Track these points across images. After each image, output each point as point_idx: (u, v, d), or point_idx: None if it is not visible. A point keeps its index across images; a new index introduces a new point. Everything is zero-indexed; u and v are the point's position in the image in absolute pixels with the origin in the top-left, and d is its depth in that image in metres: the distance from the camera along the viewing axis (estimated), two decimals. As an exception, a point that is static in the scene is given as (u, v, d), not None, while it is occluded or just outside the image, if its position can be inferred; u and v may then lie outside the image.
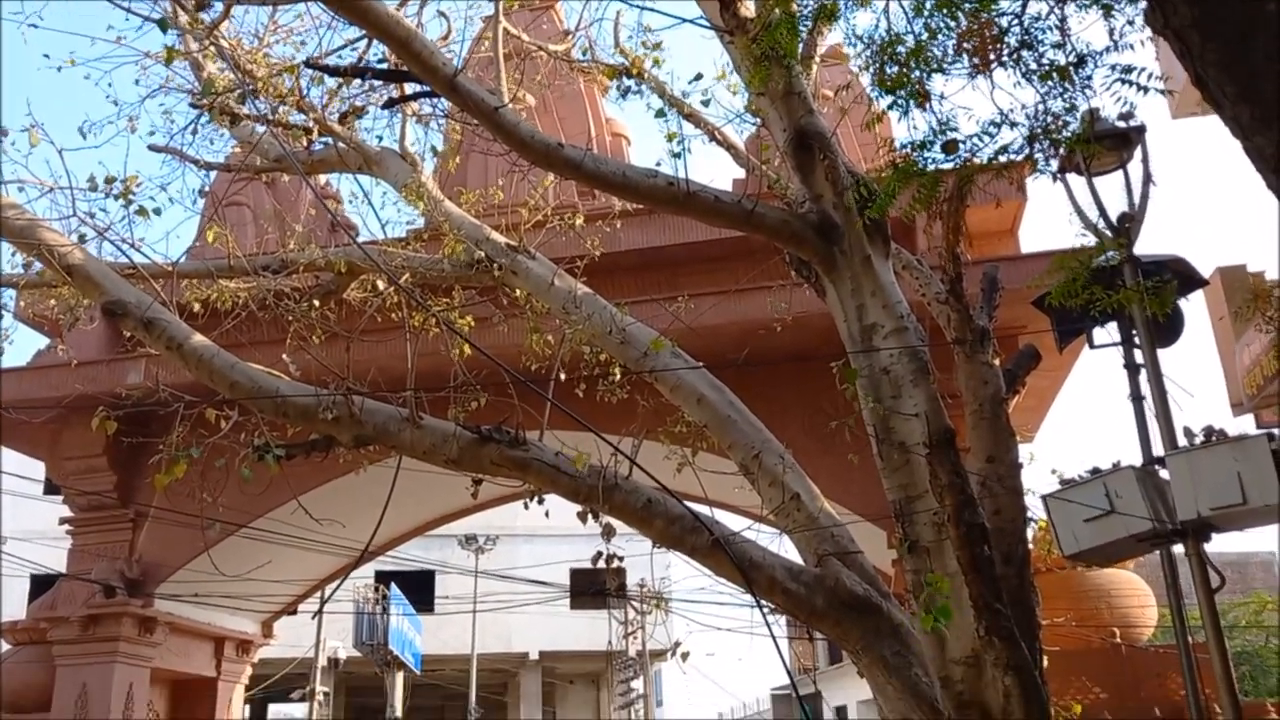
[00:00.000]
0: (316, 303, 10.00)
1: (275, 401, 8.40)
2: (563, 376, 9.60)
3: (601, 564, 10.56)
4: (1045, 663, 8.78)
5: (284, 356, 8.98)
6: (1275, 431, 5.68)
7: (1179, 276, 7.02)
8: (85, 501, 13.22)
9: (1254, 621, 26.51)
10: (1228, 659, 5.76)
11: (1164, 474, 6.00)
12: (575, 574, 31.77)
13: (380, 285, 9.74)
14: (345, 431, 8.65)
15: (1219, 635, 5.73)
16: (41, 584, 14.61)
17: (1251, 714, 9.84)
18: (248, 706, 37.76)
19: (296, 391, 8.32)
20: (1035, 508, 9.32)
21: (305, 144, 9.85)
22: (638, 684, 34.90)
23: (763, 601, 9.59)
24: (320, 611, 14.62)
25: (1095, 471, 6.19)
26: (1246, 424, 11.16)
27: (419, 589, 32.75)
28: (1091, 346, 7.66)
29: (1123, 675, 10.88)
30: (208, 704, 14.77)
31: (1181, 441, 5.94)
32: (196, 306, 10.10)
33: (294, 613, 20.58)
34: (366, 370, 9.37)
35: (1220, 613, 7.20)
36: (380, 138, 10.04)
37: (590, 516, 9.31)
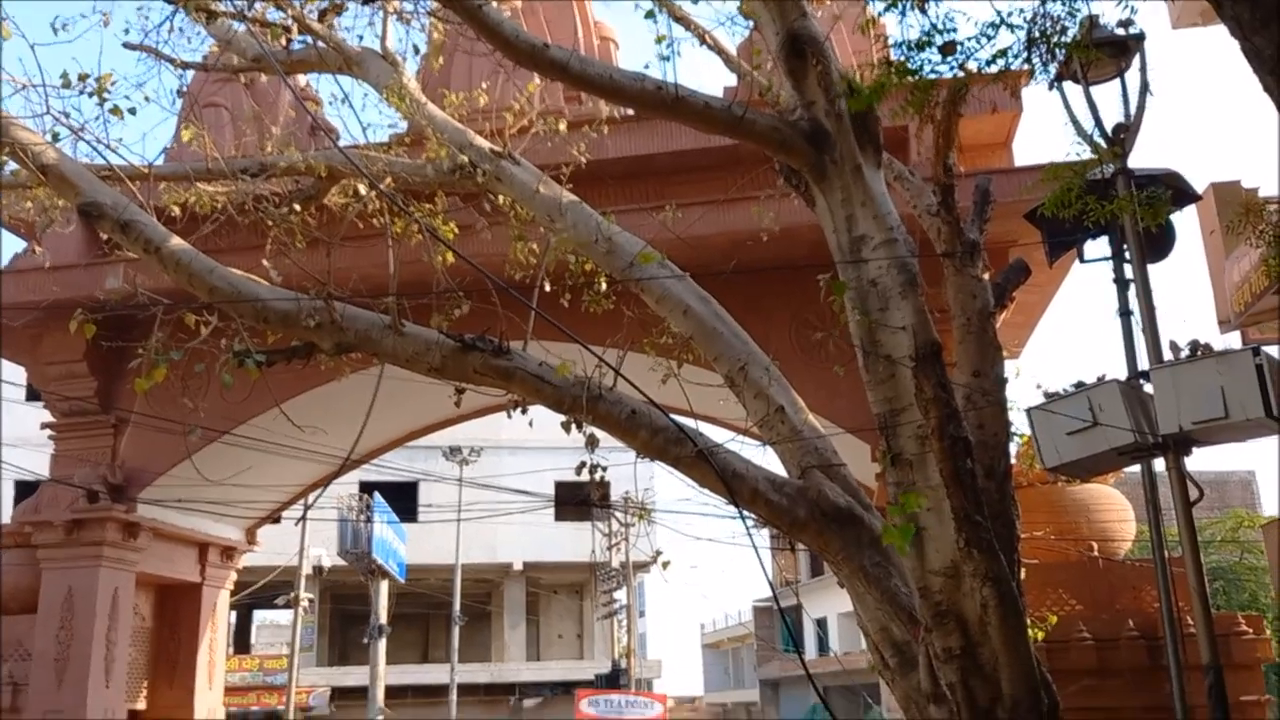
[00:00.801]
0: (297, 207, 9.83)
1: (255, 307, 8.29)
2: (547, 286, 9.51)
3: (585, 475, 10.60)
4: (1023, 574, 8.87)
5: (264, 262, 8.85)
6: (1260, 346, 5.64)
7: (1172, 190, 6.92)
8: (66, 407, 13.14)
9: (1230, 538, 26.98)
10: (1202, 572, 5.81)
11: (1148, 388, 5.98)
12: (560, 486, 32.01)
13: (361, 190, 9.57)
14: (327, 338, 8.56)
15: (1195, 548, 5.77)
16: (25, 489, 14.59)
17: (1223, 626, 10.01)
18: (234, 613, 38.31)
19: (277, 297, 8.21)
20: (1019, 422, 9.36)
21: (284, 43, 9.58)
22: (621, 595, 35.45)
23: (745, 513, 9.66)
24: (304, 519, 14.68)
25: (1079, 385, 6.17)
26: (1233, 341, 11.15)
27: (403, 499, 33.00)
28: (1082, 260, 7.59)
29: (1098, 588, 11.04)
30: (193, 608, 14.88)
31: (1167, 356, 5.91)
32: (175, 210, 9.91)
33: (278, 520, 20.69)
34: (348, 277, 9.25)
35: (1197, 529, 7.26)
36: (361, 37, 9.77)
37: (574, 427, 9.30)
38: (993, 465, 8.69)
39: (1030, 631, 8.74)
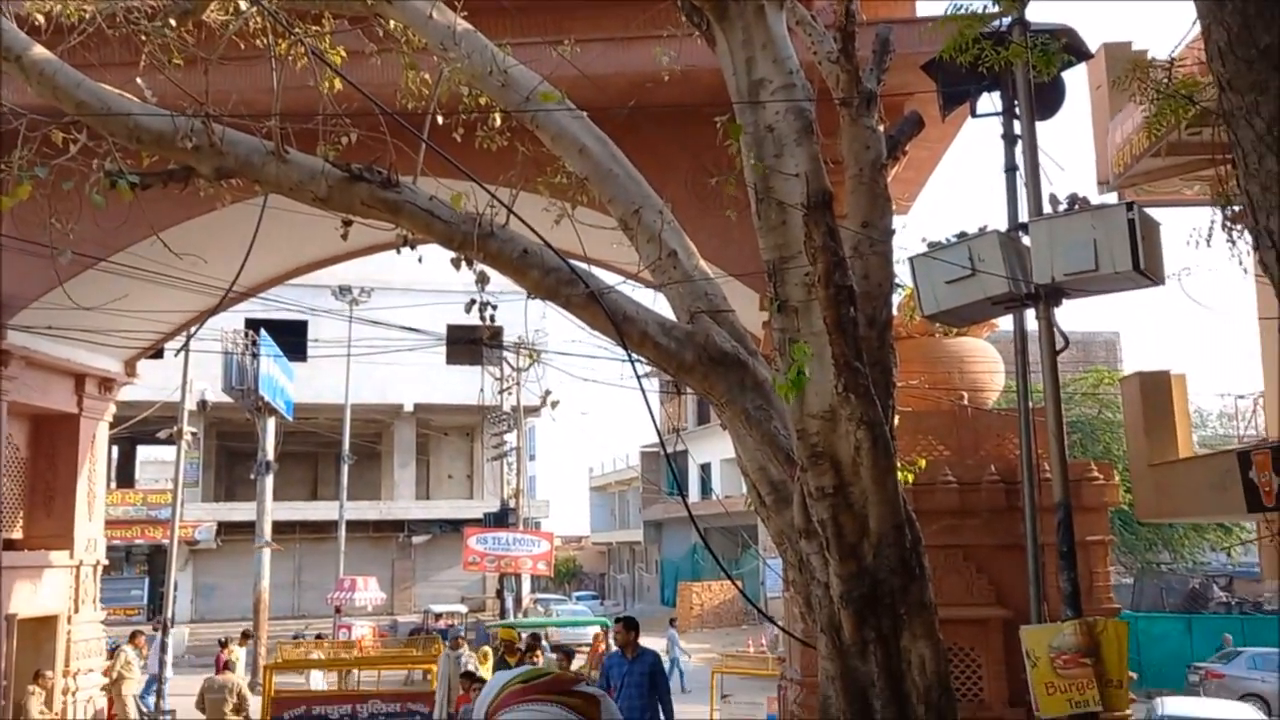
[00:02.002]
0: (173, 22, 9.27)
1: (128, 125, 7.88)
2: (439, 119, 9.23)
3: (475, 314, 10.55)
4: (896, 421, 9.25)
5: (138, 80, 8.36)
6: (1134, 203, 5.83)
7: (1067, 48, 6.99)
8: (-77, 227, 12.45)
9: (1091, 394, 28.47)
10: (1061, 416, 6.13)
11: (1026, 241, 6.16)
12: (452, 329, 31.85)
13: (243, 5, 9.05)
14: (205, 162, 8.22)
15: (1056, 394, 6.07)
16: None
17: (1076, 472, 10.66)
18: (115, 447, 37.64)
19: (151, 114, 7.81)
20: (903, 276, 9.58)
21: None
22: (511, 438, 35.83)
23: (634, 356, 9.78)
24: (185, 349, 14.32)
25: (961, 235, 6.32)
26: (1112, 201, 11.52)
27: (291, 337, 32.45)
28: (974, 115, 7.68)
29: (965, 436, 11.60)
30: (70, 440, 14.57)
31: (1046, 210, 6.08)
32: (38, 19, 9.26)
33: (159, 355, 20.20)
34: (227, 99, 8.82)
35: (1061, 382, 7.62)
36: None
37: (465, 264, 9.20)
38: (875, 315, 8.94)
39: (899, 474, 9.17)
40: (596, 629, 23.97)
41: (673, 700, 9.21)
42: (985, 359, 12.31)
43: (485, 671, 14.06)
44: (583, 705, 2.03)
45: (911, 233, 17.86)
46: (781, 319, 8.82)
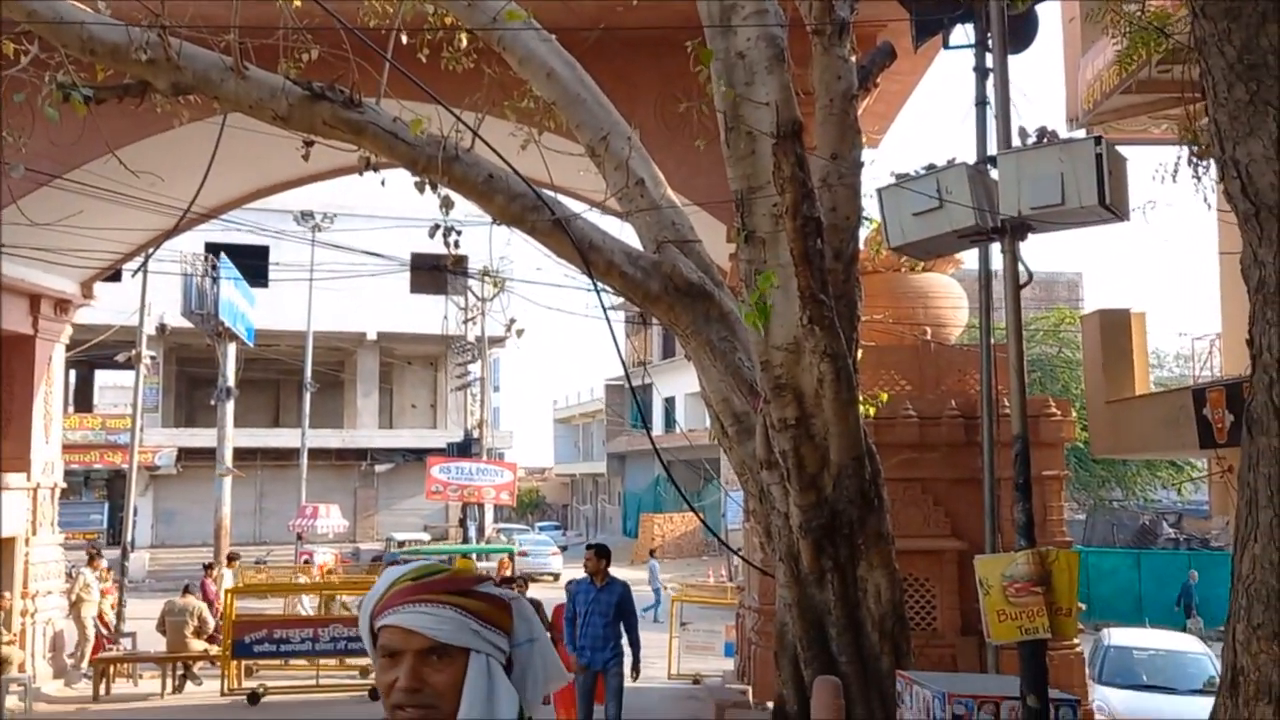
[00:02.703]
0: (127, -70, 8.96)
1: (81, 36, 7.64)
2: (404, 38, 9.02)
3: (439, 239, 10.42)
4: (859, 355, 9.30)
5: (91, -10, 8.09)
6: (1102, 137, 5.82)
7: (1041, -21, 6.92)
8: None
9: (1052, 333, 28.79)
10: (1022, 348, 6.17)
11: (994, 174, 6.14)
12: (416, 257, 31.52)
13: (200, -85, 8.75)
14: (162, 77, 8.00)
15: (1018, 326, 6.10)
16: None
17: (1035, 407, 10.79)
18: (72, 371, 37.19)
19: (105, 25, 7.57)
20: (871, 210, 9.56)
21: None
22: (475, 368, 35.73)
23: (600, 285, 9.73)
24: (143, 270, 14.06)
25: (930, 167, 6.29)
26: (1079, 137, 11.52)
27: (252, 262, 32.00)
28: (946, 47, 7.61)
29: (927, 370, 11.69)
30: (26, 361, 14.33)
31: (1016, 143, 6.05)
32: (-15, -77, 8.90)
33: (117, 277, 19.87)
34: (185, 12, 8.57)
35: (1023, 323, 7.66)
36: None
37: (429, 188, 9.07)
38: (841, 247, 8.93)
39: (861, 407, 9.25)
40: (503, 556, 24.14)
41: (639, 630, 9.23)
42: (949, 295, 12.37)
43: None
44: (487, 609, 1.71)
45: (881, 167, 17.85)
46: (748, 250, 8.80)
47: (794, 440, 8.69)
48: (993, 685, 7.05)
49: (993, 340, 9.44)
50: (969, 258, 11.10)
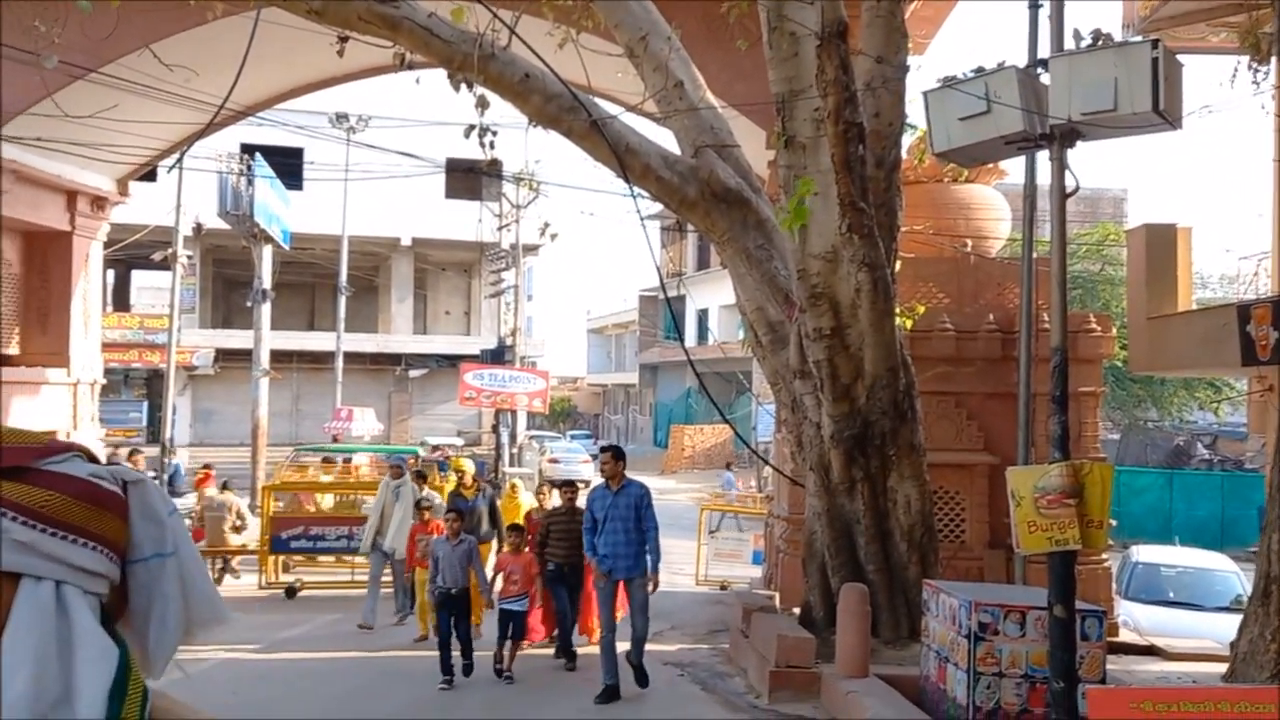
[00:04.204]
0: None
1: (112, -77, 7.52)
2: (440, -69, 8.81)
3: (475, 139, 10.28)
4: (898, 265, 9.18)
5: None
6: (1160, 40, 5.60)
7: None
8: (-94, 31, 12.00)
9: (1095, 248, 28.30)
10: (1064, 255, 6.02)
11: (1045, 79, 5.94)
12: (451, 161, 31.28)
13: None
14: (195, -34, 7.88)
15: (1063, 234, 5.95)
16: None
17: (1075, 323, 10.63)
18: (110, 270, 37.52)
19: (136, -88, 7.44)
20: (915, 117, 9.33)
21: None
22: (509, 275, 35.69)
23: (636, 189, 9.61)
24: (178, 166, 14.01)
25: (979, 70, 6.09)
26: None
27: (288, 166, 31.90)
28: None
29: (966, 283, 11.52)
30: (64, 258, 14.45)
31: (1069, 46, 5.84)
32: None
33: (152, 177, 19.85)
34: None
35: (1067, 237, 7.49)
36: None
37: (464, 86, 8.93)
38: (884, 155, 8.76)
39: (898, 319, 9.16)
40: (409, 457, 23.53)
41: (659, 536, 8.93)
42: (991, 207, 12.12)
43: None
44: (61, 505, 1.01)
45: (926, 75, 17.21)
46: (788, 155, 8.65)
47: (828, 350, 8.64)
48: (1019, 596, 7.08)
49: (1035, 254, 9.27)
50: (1013, 170, 10.86)
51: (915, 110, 9.01)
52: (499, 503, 12.40)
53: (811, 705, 7.80)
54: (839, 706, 7.38)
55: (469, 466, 11.93)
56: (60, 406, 14.34)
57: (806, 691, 7.93)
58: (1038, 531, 5.86)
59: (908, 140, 9.65)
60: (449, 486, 12.53)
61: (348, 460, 20.22)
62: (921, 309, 10.61)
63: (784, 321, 9.34)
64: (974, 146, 6.24)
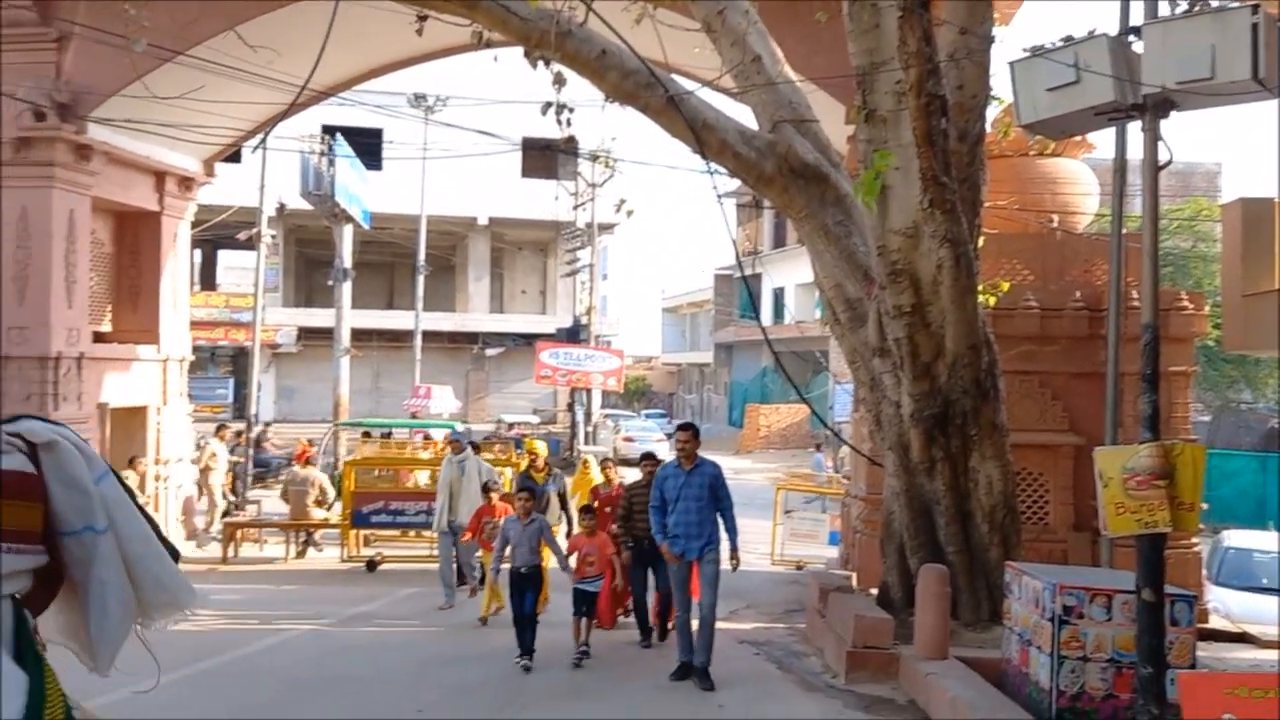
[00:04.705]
0: None
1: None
2: (517, -93, 8.80)
3: (551, 120, 10.28)
4: (981, 241, 8.98)
5: None
6: (1260, 5, 5.36)
7: None
8: (3, 18, 12.36)
9: (1187, 224, 27.42)
10: (1156, 230, 5.82)
11: (1138, 47, 5.73)
12: (527, 140, 31.45)
13: None
14: (277, -53, 7.97)
15: (1155, 208, 5.76)
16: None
17: (1166, 300, 10.31)
18: (199, 251, 38.46)
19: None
20: (1000, 89, 9.09)
21: None
22: (585, 254, 35.81)
23: (713, 166, 9.53)
24: (262, 146, 14.27)
25: (1068, 39, 5.90)
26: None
27: (367, 146, 32.34)
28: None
29: (1051, 260, 11.23)
30: (153, 237, 14.82)
31: (1164, 12, 5.63)
32: None
33: (236, 159, 20.25)
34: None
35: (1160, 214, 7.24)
36: None
37: (542, 64, 8.93)
38: (967, 127, 8.55)
39: (980, 296, 8.97)
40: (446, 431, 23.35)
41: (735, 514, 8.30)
42: (1078, 181, 11.79)
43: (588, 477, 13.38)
44: None
45: (1012, 47, 16.83)
46: (868, 129, 8.50)
47: (908, 327, 8.50)
48: (1106, 579, 6.91)
49: (1124, 229, 9.00)
50: (1101, 143, 10.57)
51: (1000, 83, 8.79)
52: (572, 479, 12.44)
53: (890, 686, 7.72)
54: (918, 688, 7.30)
55: (542, 449, 11.76)
56: (151, 382, 14.75)
57: (884, 672, 7.84)
58: (1126, 513, 5.70)
59: (992, 113, 9.41)
60: (523, 464, 12.53)
61: (386, 435, 20.56)
62: (1005, 286, 10.38)
63: (863, 299, 9.21)
64: (1062, 118, 6.06)
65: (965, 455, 8.67)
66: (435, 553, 13.70)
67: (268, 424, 21.29)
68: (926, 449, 8.61)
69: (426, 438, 20.22)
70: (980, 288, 8.68)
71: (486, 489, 10.78)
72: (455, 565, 11.85)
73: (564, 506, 11.68)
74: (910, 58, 7.36)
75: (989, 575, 8.60)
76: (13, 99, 11.95)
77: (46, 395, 12.31)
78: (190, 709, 7.30)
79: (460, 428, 22.95)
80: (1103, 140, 8.63)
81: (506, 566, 8.91)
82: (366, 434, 20.52)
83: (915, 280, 8.27)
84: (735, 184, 26.93)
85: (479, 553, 10.91)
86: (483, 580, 10.69)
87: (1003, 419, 8.74)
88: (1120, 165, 7.78)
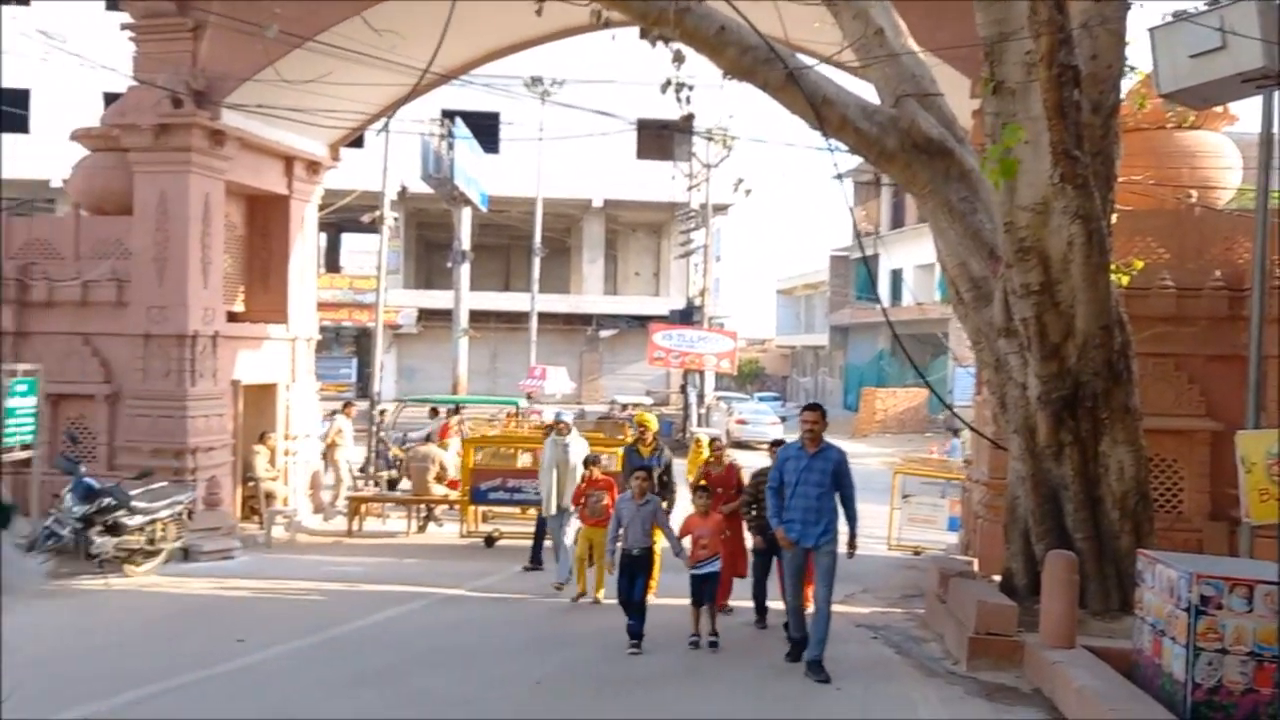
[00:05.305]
0: None
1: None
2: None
3: (666, 101, 10.24)
4: (1114, 218, 8.63)
5: None
6: None
7: None
8: (143, 9, 12.87)
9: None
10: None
11: (1292, 10, 5.42)
12: (642, 122, 31.49)
13: None
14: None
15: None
16: (112, 102, 14.54)
17: (1313, 278, 9.78)
18: (323, 235, 39.58)
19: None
20: (1136, 59, 8.71)
21: None
22: (699, 236, 35.71)
23: (832, 143, 9.36)
24: (385, 130, 14.57)
25: (1213, 3, 5.61)
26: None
27: (485, 129, 32.81)
28: None
29: (1189, 238, 10.74)
30: (282, 219, 15.29)
31: (1322, -29, 5.30)
32: None
33: (359, 143, 20.79)
34: None
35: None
36: None
37: (660, 42, 8.90)
38: (1101, 99, 8.21)
39: (1113, 275, 8.63)
40: (510, 407, 23.17)
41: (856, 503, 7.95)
42: (1219, 155, 11.23)
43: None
44: None
45: (1149, 13, 15.94)
46: (996, 102, 8.24)
47: (1037, 307, 8.23)
48: (1245, 569, 6.58)
49: (1271, 205, 8.55)
50: (1245, 115, 10.06)
51: (1137, 51, 8.43)
52: (685, 458, 12.31)
53: (1013, 674, 7.52)
54: (1044, 677, 7.09)
55: (654, 423, 11.45)
56: (280, 360, 15.25)
57: (1007, 660, 7.65)
58: (1270, 500, 5.45)
59: (1128, 84, 9.03)
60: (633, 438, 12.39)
61: (455, 411, 20.96)
62: (1139, 264, 9.96)
63: (988, 277, 8.96)
64: (1205, 86, 5.78)
65: (1095, 439, 8.38)
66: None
67: (401, 403, 22.05)
68: (1054, 432, 8.35)
69: (453, 412, 20.58)
70: (1113, 266, 8.35)
71: (586, 463, 10.74)
72: (545, 541, 12.05)
73: (664, 485, 11.26)
74: (1041, 26, 7.10)
75: (1119, 563, 8.30)
76: (152, 87, 12.44)
77: (184, 372, 12.83)
78: (316, 674, 7.56)
79: (523, 404, 23.29)
80: (1247, 111, 8.20)
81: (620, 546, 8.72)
82: (434, 410, 20.87)
83: (1044, 258, 8.01)
84: (853, 163, 26.55)
85: (573, 528, 10.87)
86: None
87: (1136, 402, 8.41)
88: (1267, 136, 7.39)
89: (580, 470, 10.92)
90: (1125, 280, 9.49)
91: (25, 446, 11.65)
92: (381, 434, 19.24)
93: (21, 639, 8.51)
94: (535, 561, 12.37)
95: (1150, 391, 9.75)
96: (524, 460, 15.55)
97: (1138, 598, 7.00)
